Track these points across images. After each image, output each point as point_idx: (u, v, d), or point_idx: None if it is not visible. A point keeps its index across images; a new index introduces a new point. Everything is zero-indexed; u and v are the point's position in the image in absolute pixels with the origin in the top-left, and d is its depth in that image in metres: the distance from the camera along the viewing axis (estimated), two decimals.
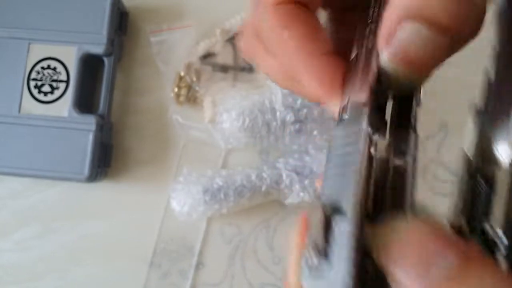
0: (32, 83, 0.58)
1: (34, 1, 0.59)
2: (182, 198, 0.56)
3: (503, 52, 0.19)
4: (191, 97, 0.61)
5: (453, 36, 0.16)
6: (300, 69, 0.18)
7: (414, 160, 0.18)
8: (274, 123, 0.55)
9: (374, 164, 0.17)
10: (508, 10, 0.18)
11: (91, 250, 0.60)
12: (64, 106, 0.57)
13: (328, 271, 0.16)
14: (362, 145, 0.16)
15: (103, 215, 0.60)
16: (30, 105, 0.58)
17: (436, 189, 0.59)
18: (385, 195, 0.17)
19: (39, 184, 0.60)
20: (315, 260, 0.16)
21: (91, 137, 0.56)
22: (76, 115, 0.57)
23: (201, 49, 0.61)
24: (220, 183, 0.55)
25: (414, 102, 0.20)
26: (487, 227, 0.17)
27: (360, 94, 0.17)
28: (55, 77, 0.58)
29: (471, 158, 0.18)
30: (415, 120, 0.19)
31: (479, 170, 0.18)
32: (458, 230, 0.18)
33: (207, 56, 0.61)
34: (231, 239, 0.59)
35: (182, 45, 0.61)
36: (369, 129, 0.16)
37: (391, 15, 0.16)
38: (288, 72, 0.19)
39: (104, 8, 0.58)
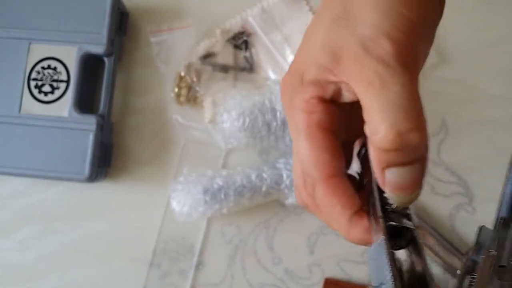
0: (33, 83, 0.58)
1: (34, 1, 0.59)
2: (182, 198, 0.56)
3: None
4: (191, 97, 0.61)
5: (417, 160, 0.22)
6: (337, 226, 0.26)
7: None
8: (275, 123, 0.55)
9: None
10: None
11: (91, 250, 0.60)
12: (65, 106, 0.57)
13: None
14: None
15: (103, 215, 0.60)
16: (30, 105, 0.58)
17: (436, 189, 0.59)
18: None
19: (40, 184, 0.60)
20: None
21: (91, 137, 0.56)
22: (76, 115, 0.57)
23: (201, 49, 0.61)
24: (220, 183, 0.55)
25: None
26: None
27: (376, 235, 0.24)
28: (55, 77, 0.58)
29: None
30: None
31: None
32: None
33: (207, 56, 0.61)
34: (231, 239, 0.59)
35: (182, 45, 0.61)
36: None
37: (375, 168, 0.23)
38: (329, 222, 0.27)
39: (104, 8, 0.58)
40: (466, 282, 0.23)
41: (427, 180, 0.59)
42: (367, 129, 0.22)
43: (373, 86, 0.21)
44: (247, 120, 0.55)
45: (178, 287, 0.59)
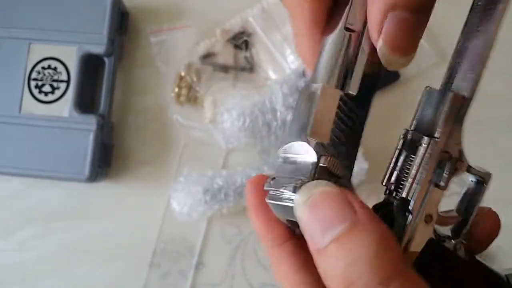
0: (33, 83, 0.58)
1: (34, 1, 0.59)
2: (182, 198, 0.56)
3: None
4: (191, 97, 0.61)
5: (425, 9, 0.21)
6: None
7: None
8: (275, 123, 0.55)
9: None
10: None
11: (91, 250, 0.60)
12: (65, 106, 0.57)
13: None
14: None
15: (103, 215, 0.60)
16: (30, 105, 0.58)
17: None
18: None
19: (40, 184, 0.60)
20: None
21: (91, 137, 0.56)
22: (76, 115, 0.57)
23: (201, 49, 0.61)
24: (221, 183, 0.55)
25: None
26: None
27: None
28: (55, 77, 0.58)
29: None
30: None
31: None
32: None
33: (207, 56, 0.61)
34: (231, 239, 0.59)
35: (182, 45, 0.61)
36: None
37: (377, 10, 0.20)
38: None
39: (104, 8, 0.58)
40: (401, 157, 0.21)
41: None
42: None
43: None
44: (247, 120, 0.55)
45: (178, 287, 0.59)
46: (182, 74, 0.61)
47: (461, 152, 0.22)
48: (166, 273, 0.59)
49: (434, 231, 0.22)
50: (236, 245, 0.59)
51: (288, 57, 0.60)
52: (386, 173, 0.22)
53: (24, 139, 0.57)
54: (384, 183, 0.22)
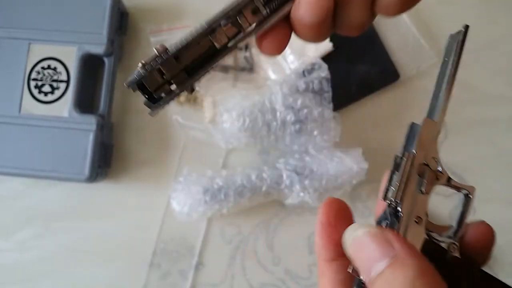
0: (33, 83, 0.58)
1: (34, 1, 0.59)
2: (182, 199, 0.56)
3: None
4: (191, 97, 0.61)
5: None
6: None
7: None
8: (275, 123, 0.55)
9: None
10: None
11: (91, 250, 0.60)
12: (65, 106, 0.57)
13: None
14: None
15: (103, 215, 0.60)
16: (30, 105, 0.58)
17: (436, 189, 0.59)
18: None
19: (40, 184, 0.60)
20: None
21: (91, 137, 0.56)
22: (76, 115, 0.57)
23: None
24: (220, 184, 0.55)
25: None
26: None
27: None
28: (55, 77, 0.58)
29: None
30: None
31: None
32: None
33: None
34: (231, 239, 0.59)
35: None
36: None
37: None
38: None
39: (104, 8, 0.58)
40: (394, 178, 0.25)
41: None
42: None
43: None
44: (247, 120, 0.55)
45: (178, 287, 0.59)
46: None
47: (437, 163, 0.26)
48: (166, 273, 0.59)
49: (429, 236, 0.25)
50: (236, 245, 0.59)
51: (288, 57, 0.60)
52: (383, 191, 0.25)
53: (24, 139, 0.57)
54: (383, 199, 0.25)
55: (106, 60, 0.59)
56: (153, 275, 0.59)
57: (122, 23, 0.60)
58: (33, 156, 0.57)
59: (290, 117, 0.54)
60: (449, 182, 0.26)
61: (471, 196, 0.27)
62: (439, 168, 0.26)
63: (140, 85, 0.26)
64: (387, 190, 0.25)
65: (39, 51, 0.58)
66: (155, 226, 0.59)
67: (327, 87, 0.55)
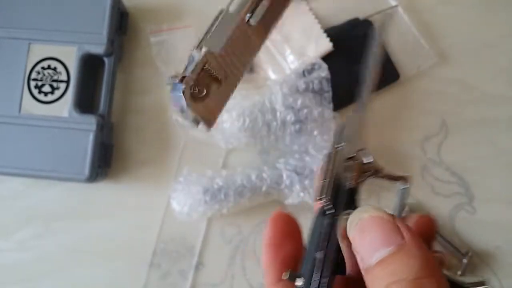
0: (33, 83, 0.58)
1: (34, 1, 0.59)
2: (182, 199, 0.56)
3: None
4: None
5: None
6: None
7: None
8: (275, 123, 0.55)
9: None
10: None
11: (91, 250, 0.60)
12: (65, 106, 0.57)
13: None
14: None
15: (103, 215, 0.60)
16: (30, 105, 0.58)
17: (436, 189, 0.59)
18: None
19: (40, 184, 0.60)
20: None
21: (91, 137, 0.56)
22: (76, 115, 0.57)
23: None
24: (220, 183, 0.55)
25: None
26: None
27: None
28: (55, 77, 0.58)
29: None
30: None
31: None
32: None
33: None
34: (231, 239, 0.59)
35: (182, 45, 0.61)
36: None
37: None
38: None
39: (104, 8, 0.58)
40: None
41: (427, 180, 0.59)
42: None
43: None
44: (247, 120, 0.55)
45: (178, 287, 0.59)
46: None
47: (365, 156, 0.26)
48: (166, 273, 0.59)
49: None
50: (236, 245, 0.59)
51: (288, 57, 0.60)
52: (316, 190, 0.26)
53: (24, 139, 0.57)
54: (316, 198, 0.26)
55: (106, 60, 0.59)
56: (153, 275, 0.59)
57: (122, 23, 0.60)
58: (33, 156, 0.57)
59: (290, 117, 0.54)
60: (381, 173, 0.26)
61: (407, 186, 0.25)
62: (368, 160, 0.25)
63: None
64: (319, 189, 0.25)
65: (39, 51, 0.58)
66: (155, 226, 0.60)
67: (327, 87, 0.55)
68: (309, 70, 0.56)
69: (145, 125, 0.62)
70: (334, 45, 0.59)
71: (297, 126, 0.55)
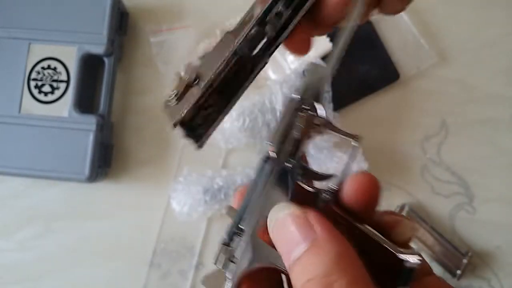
0: (33, 83, 0.58)
1: (34, 1, 0.59)
2: (182, 198, 0.56)
3: None
4: None
5: None
6: None
7: None
8: (275, 123, 0.55)
9: None
10: None
11: (91, 250, 0.60)
12: (65, 106, 0.57)
13: None
14: None
15: (103, 215, 0.60)
16: (30, 105, 0.58)
17: (436, 189, 0.59)
18: None
19: (40, 184, 0.60)
20: None
21: (91, 137, 0.56)
22: (76, 115, 0.57)
23: (201, 49, 0.61)
24: (220, 183, 0.55)
25: None
26: None
27: None
28: (55, 77, 0.58)
29: None
30: None
31: None
32: None
33: None
34: None
35: (182, 45, 0.61)
36: None
37: None
38: None
39: (104, 8, 0.58)
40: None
41: (427, 180, 0.59)
42: None
43: None
44: (247, 120, 0.55)
45: (178, 287, 0.59)
46: (182, 74, 0.61)
47: (318, 109, 0.25)
48: (166, 273, 0.59)
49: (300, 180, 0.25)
50: None
51: (288, 57, 0.60)
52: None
53: (24, 139, 0.57)
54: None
55: (106, 60, 0.59)
56: (153, 275, 0.59)
57: (122, 23, 0.60)
58: (33, 156, 0.57)
59: None
60: (331, 127, 0.25)
61: (357, 144, 0.24)
62: (321, 113, 0.25)
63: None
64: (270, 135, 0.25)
65: (39, 51, 0.58)
66: (155, 226, 0.59)
67: (327, 87, 0.55)
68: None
69: (145, 125, 0.62)
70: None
71: None
